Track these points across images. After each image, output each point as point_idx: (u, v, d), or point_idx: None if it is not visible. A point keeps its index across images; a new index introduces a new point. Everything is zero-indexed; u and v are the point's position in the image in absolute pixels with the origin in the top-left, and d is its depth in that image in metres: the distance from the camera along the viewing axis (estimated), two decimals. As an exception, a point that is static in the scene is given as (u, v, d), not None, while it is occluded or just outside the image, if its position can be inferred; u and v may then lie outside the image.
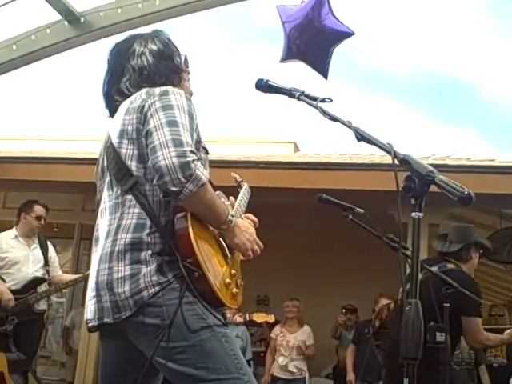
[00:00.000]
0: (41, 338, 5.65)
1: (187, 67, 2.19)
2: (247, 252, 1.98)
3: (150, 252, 1.84)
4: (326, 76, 4.66)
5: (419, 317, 1.51)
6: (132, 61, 2.09)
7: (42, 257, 5.24)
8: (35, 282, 5.14)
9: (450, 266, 3.63)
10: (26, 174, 6.73)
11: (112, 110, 2.09)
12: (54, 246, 5.79)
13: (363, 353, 6.13)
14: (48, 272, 5.24)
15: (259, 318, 6.04)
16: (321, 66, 4.63)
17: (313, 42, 4.62)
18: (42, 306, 5.22)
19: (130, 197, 1.90)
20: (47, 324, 6.22)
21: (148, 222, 1.86)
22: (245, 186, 2.43)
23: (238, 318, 6.03)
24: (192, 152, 1.79)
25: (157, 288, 1.80)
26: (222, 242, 1.95)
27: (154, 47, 2.11)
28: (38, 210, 5.26)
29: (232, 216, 1.92)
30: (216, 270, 1.87)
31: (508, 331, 3.78)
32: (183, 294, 1.80)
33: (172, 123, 1.83)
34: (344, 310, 6.87)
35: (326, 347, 6.95)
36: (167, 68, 2.09)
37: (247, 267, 2.17)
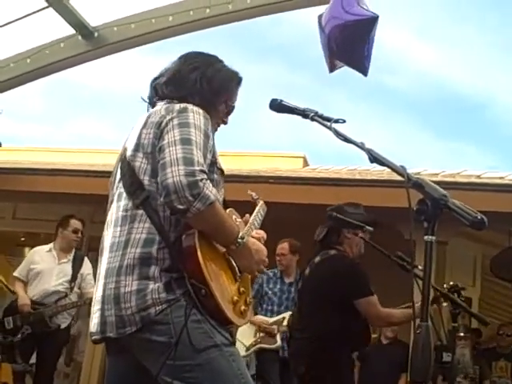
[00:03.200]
0: (60, 354, 5.61)
1: (228, 115, 2.19)
2: (253, 273, 2.04)
3: (159, 268, 1.83)
4: (365, 73, 4.38)
5: (429, 341, 1.51)
6: (183, 66, 2.12)
7: (70, 272, 5.25)
8: (55, 295, 5.14)
9: (332, 251, 3.46)
10: (34, 185, 6.77)
11: (151, 102, 2.15)
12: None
13: (368, 370, 6.12)
14: (73, 288, 5.20)
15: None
16: (360, 64, 4.39)
17: (346, 40, 4.38)
18: (62, 320, 5.16)
19: (140, 211, 1.89)
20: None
21: (157, 238, 1.86)
22: (260, 203, 2.43)
23: None
24: (202, 171, 1.78)
25: (164, 305, 1.79)
26: (232, 259, 1.95)
27: (211, 71, 2.11)
28: (74, 223, 5.37)
29: (241, 238, 1.91)
30: (224, 287, 1.87)
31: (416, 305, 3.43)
32: (190, 311, 1.79)
33: (186, 141, 1.83)
34: None
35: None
36: (204, 94, 2.07)
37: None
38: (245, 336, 5.23)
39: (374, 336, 5.88)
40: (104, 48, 5.67)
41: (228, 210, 2.07)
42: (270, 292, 5.40)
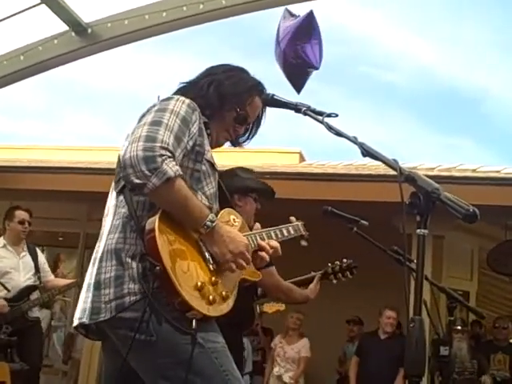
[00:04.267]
0: (43, 347, 5.64)
1: (238, 123, 2.12)
2: (227, 264, 1.87)
3: (130, 253, 1.81)
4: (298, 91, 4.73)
5: (423, 335, 1.51)
6: (202, 73, 2.13)
7: (32, 264, 5.26)
8: (28, 289, 5.14)
9: None
10: (31, 183, 6.76)
11: None
12: (58, 254, 5.80)
13: (366, 365, 6.14)
14: (39, 278, 5.26)
15: (270, 308, 5.96)
16: (297, 82, 4.71)
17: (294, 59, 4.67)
18: (36, 313, 5.22)
19: (121, 197, 1.91)
20: (51, 333, 6.20)
21: (131, 223, 1.84)
22: (295, 222, 2.37)
23: None
24: (164, 148, 1.75)
25: (138, 297, 1.76)
26: (203, 247, 1.87)
27: (223, 77, 2.09)
28: (20, 214, 5.27)
29: (211, 221, 1.83)
30: (187, 271, 1.79)
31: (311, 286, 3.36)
32: (146, 308, 1.72)
33: (154, 123, 1.82)
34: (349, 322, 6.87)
35: (328, 361, 6.93)
36: (209, 98, 2.05)
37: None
38: None
39: (276, 309, 5.94)
40: (98, 44, 5.64)
41: (224, 210, 2.05)
42: None
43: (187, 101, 1.94)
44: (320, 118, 1.87)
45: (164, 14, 5.29)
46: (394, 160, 1.65)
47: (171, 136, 1.80)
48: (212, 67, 2.16)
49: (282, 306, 6.05)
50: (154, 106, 1.93)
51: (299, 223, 2.40)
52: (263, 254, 2.08)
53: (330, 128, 1.83)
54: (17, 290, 5.09)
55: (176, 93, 2.08)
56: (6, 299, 5.00)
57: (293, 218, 2.41)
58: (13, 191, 6.86)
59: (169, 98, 1.95)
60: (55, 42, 5.68)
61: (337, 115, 1.88)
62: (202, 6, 5.19)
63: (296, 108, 1.96)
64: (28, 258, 5.28)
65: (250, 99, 2.11)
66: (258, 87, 2.14)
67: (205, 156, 1.96)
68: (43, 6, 5.34)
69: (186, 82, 2.14)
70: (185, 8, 5.23)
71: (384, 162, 1.69)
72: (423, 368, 1.57)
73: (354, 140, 1.77)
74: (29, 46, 5.78)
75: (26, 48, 5.78)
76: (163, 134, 1.79)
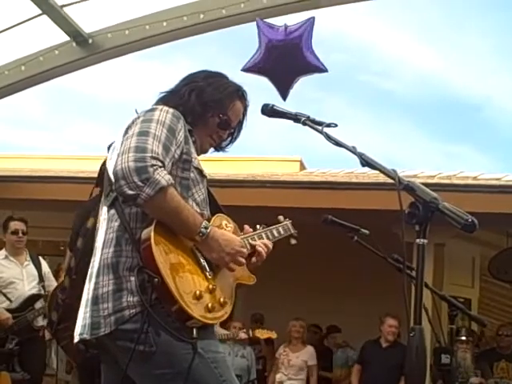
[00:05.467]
0: (46, 356, 5.63)
1: (221, 129, 2.13)
2: (228, 266, 1.89)
3: (127, 266, 1.80)
4: (284, 98, 4.90)
5: (423, 344, 1.51)
6: (181, 81, 2.13)
7: (36, 273, 5.28)
8: (32, 299, 5.16)
9: None
10: (33, 193, 6.76)
11: None
12: (60, 263, 5.78)
13: (368, 372, 6.13)
14: (44, 287, 5.26)
15: (262, 334, 6.00)
16: (284, 88, 4.79)
17: (285, 65, 4.76)
18: (41, 322, 5.21)
19: (113, 211, 1.89)
20: (52, 342, 6.20)
21: (126, 235, 1.83)
22: (284, 222, 2.35)
23: (242, 335, 6.01)
24: (154, 158, 1.75)
25: (138, 309, 1.76)
26: (199, 255, 1.87)
27: (204, 84, 2.09)
28: (14, 225, 5.30)
29: (205, 228, 1.83)
30: (185, 280, 1.78)
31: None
32: (145, 320, 1.72)
33: (142, 133, 1.82)
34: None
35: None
36: (190, 106, 2.06)
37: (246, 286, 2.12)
38: None
39: (268, 336, 5.96)
40: (99, 54, 5.68)
41: (216, 216, 2.04)
42: None
43: (171, 110, 1.94)
44: (319, 127, 1.87)
45: (164, 23, 5.33)
46: (393, 170, 1.65)
47: (160, 145, 1.80)
48: (191, 74, 2.16)
49: (273, 334, 6.08)
50: (139, 117, 1.92)
51: (288, 222, 2.38)
52: (260, 249, 2.06)
53: (329, 138, 1.82)
54: (21, 300, 5.10)
55: (157, 103, 2.08)
56: (9, 310, 5.01)
57: (281, 217, 2.39)
58: (14, 201, 6.86)
59: (153, 109, 1.95)
60: (56, 52, 5.72)
61: (336, 125, 1.88)
62: (202, 16, 5.23)
63: (295, 118, 1.96)
64: (31, 268, 5.30)
65: (231, 104, 2.12)
66: (238, 92, 2.16)
67: (192, 163, 1.96)
68: (44, 16, 5.37)
69: (167, 92, 2.13)
70: (185, 18, 5.27)
71: (383, 172, 1.69)
72: (424, 377, 1.56)
73: (352, 150, 1.77)
74: (30, 56, 5.82)
75: (27, 58, 5.82)
76: (152, 143, 1.78)
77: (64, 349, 2.19)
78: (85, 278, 1.92)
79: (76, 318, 1.90)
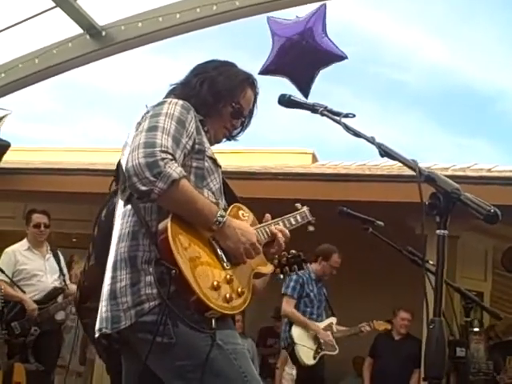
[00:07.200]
0: (60, 349, 5.68)
1: (234, 118, 2.15)
2: (241, 256, 1.89)
3: (145, 259, 1.82)
4: (306, 95, 4.69)
5: (443, 336, 1.50)
6: (191, 72, 2.14)
7: (56, 267, 5.34)
8: (55, 292, 5.22)
9: None
10: (45, 185, 6.79)
11: None
12: (72, 255, 5.83)
13: (380, 365, 6.12)
14: (65, 281, 5.33)
15: (380, 325, 5.87)
16: (304, 85, 4.65)
17: (302, 60, 4.62)
18: (62, 316, 5.30)
19: (129, 206, 1.91)
20: (64, 334, 6.26)
21: (143, 229, 1.85)
22: (302, 209, 2.35)
23: (367, 327, 5.61)
24: (164, 152, 1.76)
25: (157, 301, 1.77)
26: (216, 246, 1.88)
27: (214, 74, 2.10)
28: (36, 218, 5.35)
29: (221, 216, 1.84)
30: (202, 272, 1.79)
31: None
32: (164, 311, 1.72)
33: (151, 129, 1.83)
34: None
35: (342, 359, 6.91)
36: (203, 96, 2.06)
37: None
38: (304, 340, 5.16)
39: (384, 328, 5.84)
40: (112, 47, 5.68)
41: (233, 206, 2.05)
42: (311, 294, 5.30)
43: (180, 102, 1.95)
44: (337, 118, 1.86)
45: (178, 15, 5.32)
46: (413, 160, 1.65)
47: (169, 139, 1.81)
48: (200, 65, 2.16)
49: (388, 325, 5.93)
50: (148, 112, 1.93)
51: (305, 209, 2.38)
52: (278, 238, 2.07)
53: (347, 128, 1.82)
54: (45, 293, 5.15)
55: (168, 95, 2.09)
56: (34, 301, 5.05)
57: (298, 205, 2.40)
58: (27, 193, 6.89)
59: (162, 103, 1.95)
60: (70, 45, 5.72)
61: (354, 115, 1.87)
62: (215, 8, 5.21)
63: (313, 108, 1.96)
64: (52, 261, 5.35)
65: (243, 92, 2.13)
66: (248, 79, 2.17)
67: (206, 153, 1.97)
68: (58, 9, 5.38)
69: (177, 84, 2.14)
70: (198, 10, 5.26)
71: (402, 163, 1.68)
72: (443, 370, 1.55)
73: (371, 140, 1.76)
74: (43, 49, 5.83)
75: (41, 51, 5.82)
76: (161, 137, 1.79)
77: (84, 326, 2.22)
78: (100, 265, 1.96)
79: (93, 300, 1.94)
